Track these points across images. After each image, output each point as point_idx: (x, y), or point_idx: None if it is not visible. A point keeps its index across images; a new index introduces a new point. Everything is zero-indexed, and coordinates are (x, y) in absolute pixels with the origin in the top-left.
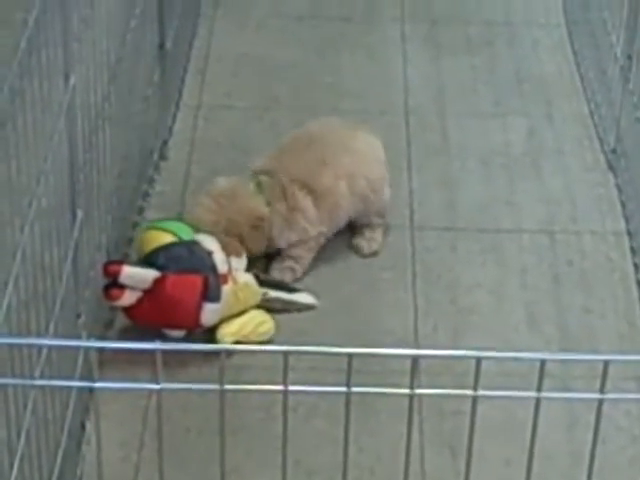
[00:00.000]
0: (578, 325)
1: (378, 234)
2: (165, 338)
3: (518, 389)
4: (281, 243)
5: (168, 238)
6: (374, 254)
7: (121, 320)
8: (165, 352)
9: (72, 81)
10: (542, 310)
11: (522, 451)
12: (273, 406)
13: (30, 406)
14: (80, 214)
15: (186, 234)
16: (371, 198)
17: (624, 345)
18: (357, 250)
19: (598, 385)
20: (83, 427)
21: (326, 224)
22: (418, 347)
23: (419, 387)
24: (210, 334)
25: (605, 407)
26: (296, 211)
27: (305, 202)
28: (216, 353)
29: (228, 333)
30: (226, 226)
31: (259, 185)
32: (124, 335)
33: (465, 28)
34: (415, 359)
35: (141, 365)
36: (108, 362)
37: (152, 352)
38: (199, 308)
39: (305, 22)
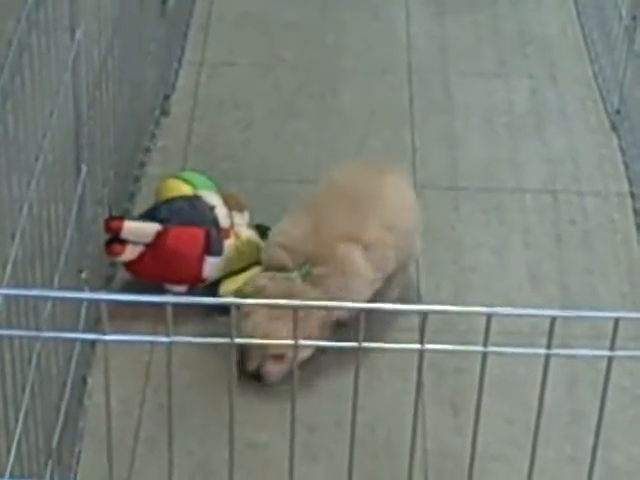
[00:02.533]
0: (580, 285)
1: (405, 279)
2: (165, 293)
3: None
4: (342, 314)
5: (186, 189)
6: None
7: (122, 275)
8: (175, 305)
9: (78, 35)
10: (544, 270)
11: (523, 409)
12: None
13: (35, 360)
14: (84, 169)
15: (207, 189)
16: (405, 250)
17: (626, 305)
18: (383, 299)
19: (599, 345)
20: (85, 382)
21: (379, 280)
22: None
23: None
24: (212, 291)
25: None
26: (351, 276)
27: (358, 261)
28: (216, 310)
29: (231, 289)
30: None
31: (307, 275)
32: (125, 290)
33: None
34: (424, 314)
35: (142, 321)
36: (108, 315)
37: (160, 305)
38: (201, 261)
39: None
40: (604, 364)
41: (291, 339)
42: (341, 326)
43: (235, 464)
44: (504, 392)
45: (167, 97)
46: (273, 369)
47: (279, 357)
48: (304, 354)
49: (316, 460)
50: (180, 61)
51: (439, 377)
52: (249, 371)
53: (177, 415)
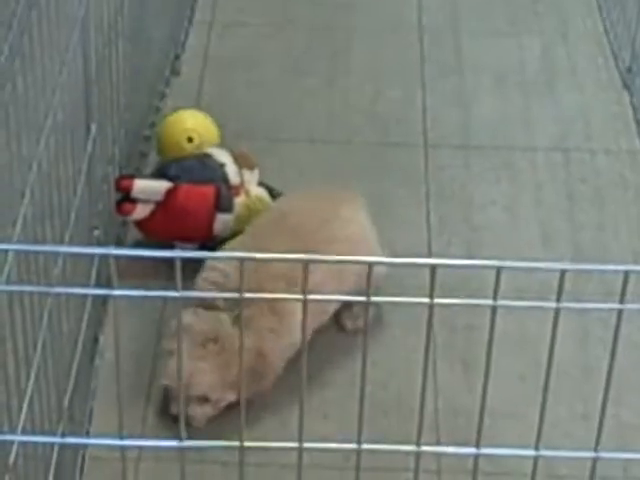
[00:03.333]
0: (591, 242)
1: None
2: None
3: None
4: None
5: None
6: (359, 331)
7: (133, 235)
8: (184, 260)
9: None
10: (556, 227)
11: (535, 366)
12: None
13: (46, 318)
14: (94, 128)
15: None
16: (362, 287)
17: (637, 261)
18: (341, 325)
19: (610, 301)
20: (96, 340)
21: (314, 326)
22: None
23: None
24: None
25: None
26: (285, 316)
27: (294, 306)
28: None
29: None
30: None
31: (238, 318)
32: (137, 249)
33: None
34: (433, 268)
35: (151, 278)
36: (119, 276)
37: (170, 260)
38: (211, 218)
39: None
40: (615, 320)
41: (214, 385)
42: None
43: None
44: (516, 349)
45: (177, 57)
46: (196, 412)
47: (203, 399)
48: (231, 397)
49: (327, 417)
50: (190, 20)
51: (450, 335)
52: (172, 414)
53: None
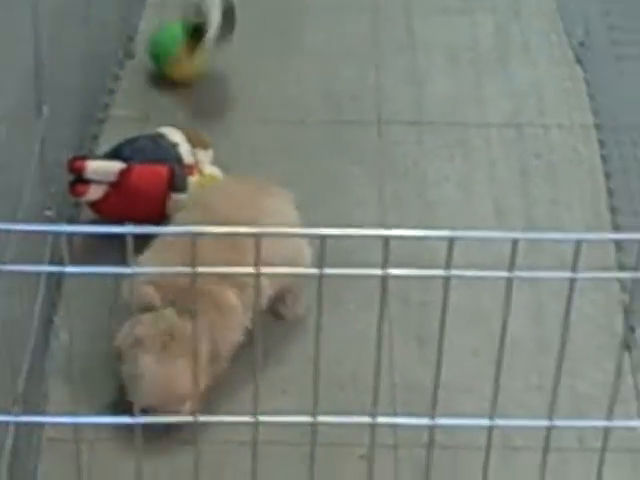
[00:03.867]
0: (545, 217)
1: (301, 296)
2: None
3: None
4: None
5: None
6: (300, 318)
7: (87, 216)
8: (136, 236)
9: None
10: (510, 203)
11: (490, 340)
12: None
13: None
14: (46, 110)
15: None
16: (288, 281)
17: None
18: (280, 317)
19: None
20: (51, 321)
21: (250, 318)
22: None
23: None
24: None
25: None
26: (228, 313)
27: (233, 302)
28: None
29: None
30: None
31: (183, 310)
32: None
33: None
34: (386, 239)
35: (104, 257)
36: (72, 258)
37: (122, 239)
38: (165, 198)
39: None
40: (567, 292)
41: (188, 394)
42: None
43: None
44: (470, 324)
45: (131, 39)
46: (185, 412)
47: (184, 399)
48: (202, 387)
49: (285, 393)
50: (143, 2)
51: (405, 310)
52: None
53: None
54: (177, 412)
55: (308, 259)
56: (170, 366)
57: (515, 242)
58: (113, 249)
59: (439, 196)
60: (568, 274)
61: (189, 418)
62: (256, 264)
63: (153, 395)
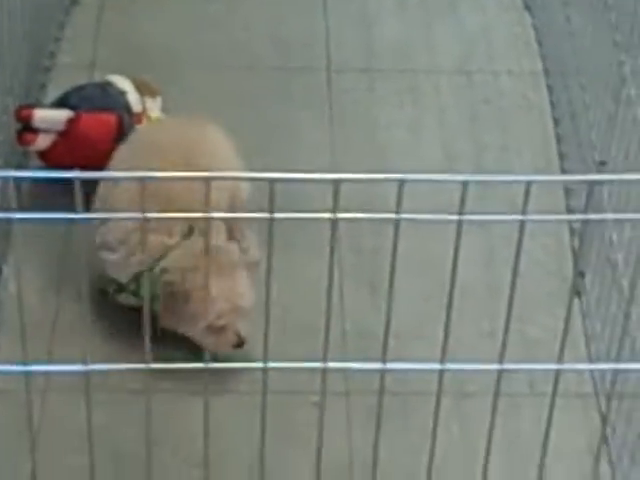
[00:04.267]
0: (495, 163)
1: (252, 239)
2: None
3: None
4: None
5: None
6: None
7: (35, 165)
8: (84, 181)
9: None
10: (460, 148)
11: (441, 287)
12: None
13: None
14: None
15: None
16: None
17: None
18: None
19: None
20: (0, 272)
21: None
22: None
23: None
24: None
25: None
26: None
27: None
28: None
29: None
30: None
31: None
32: (39, 180)
33: None
34: (337, 182)
35: (53, 207)
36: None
37: (70, 182)
38: (114, 146)
39: None
40: (518, 236)
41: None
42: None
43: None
44: (422, 271)
45: None
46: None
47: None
48: None
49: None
50: None
51: (356, 258)
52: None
53: (95, 304)
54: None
55: (245, 192)
56: (235, 281)
57: (465, 184)
58: (62, 198)
59: (389, 142)
60: (517, 217)
61: (141, 365)
62: (206, 207)
63: (225, 312)
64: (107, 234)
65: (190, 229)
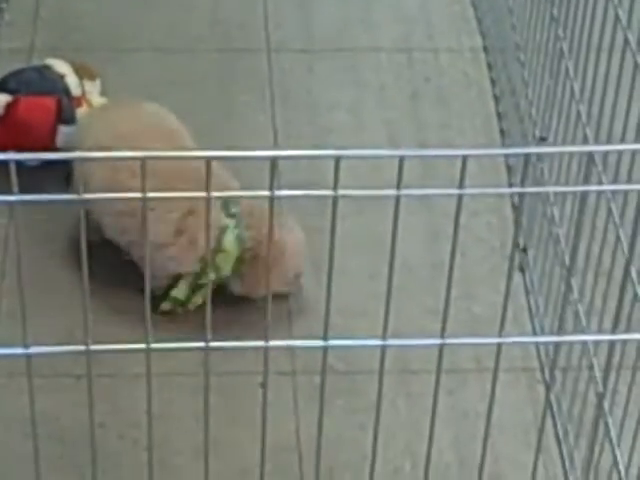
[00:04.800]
0: (437, 141)
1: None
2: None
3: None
4: None
5: None
6: None
7: None
8: (18, 163)
9: None
10: (401, 127)
11: (383, 265)
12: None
13: None
14: None
15: None
16: None
17: (482, 159)
18: None
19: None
20: None
21: None
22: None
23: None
24: (66, 163)
25: (465, 219)
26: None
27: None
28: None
29: None
30: None
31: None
32: None
33: None
34: (274, 159)
35: None
36: None
37: (4, 164)
38: (54, 131)
39: None
40: (463, 217)
41: None
42: None
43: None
44: (366, 249)
45: None
46: None
47: None
48: None
49: (175, 321)
50: None
51: None
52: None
53: (39, 288)
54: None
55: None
56: (294, 233)
57: (401, 159)
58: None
59: (331, 123)
60: (455, 190)
61: (81, 347)
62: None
63: (300, 261)
64: (154, 234)
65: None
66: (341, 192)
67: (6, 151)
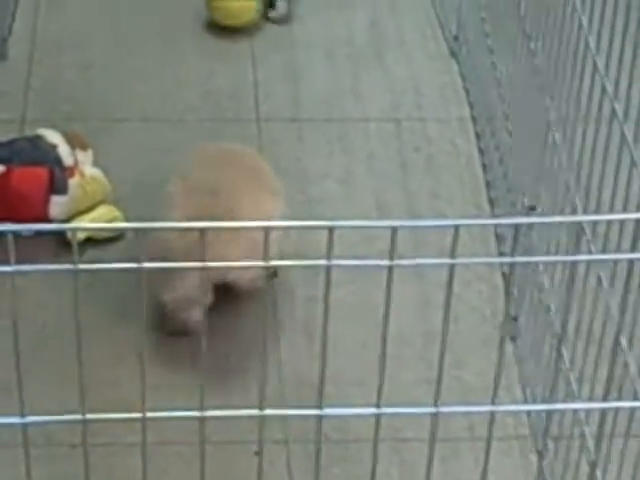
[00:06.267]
0: (427, 210)
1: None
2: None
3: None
4: None
5: None
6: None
7: None
8: (18, 236)
9: None
10: (391, 197)
11: (378, 333)
12: (128, 298)
13: None
14: None
15: None
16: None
17: (472, 227)
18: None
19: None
20: None
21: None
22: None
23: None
24: (60, 233)
25: (456, 287)
26: None
27: None
28: (69, 250)
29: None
30: None
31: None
32: None
33: None
34: (267, 230)
35: None
36: None
37: (1, 235)
38: (47, 201)
39: None
40: (454, 285)
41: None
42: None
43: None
44: (358, 318)
45: (4, 40)
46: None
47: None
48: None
49: (173, 389)
50: (16, 3)
51: (292, 307)
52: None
53: (32, 357)
54: None
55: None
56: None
57: (394, 230)
58: None
59: (320, 192)
60: (447, 260)
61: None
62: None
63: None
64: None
65: None
66: (335, 262)
67: None
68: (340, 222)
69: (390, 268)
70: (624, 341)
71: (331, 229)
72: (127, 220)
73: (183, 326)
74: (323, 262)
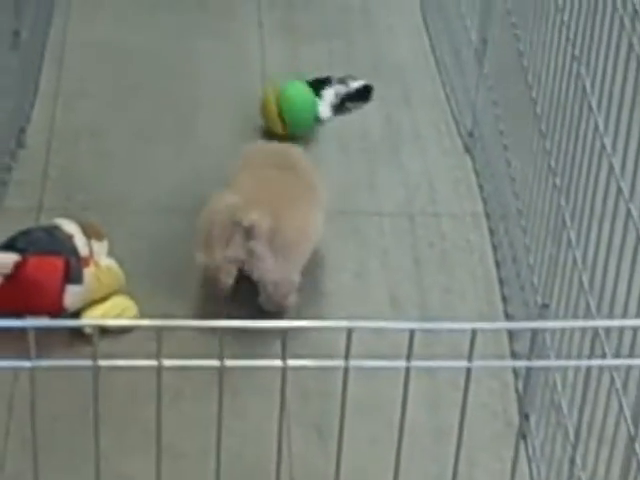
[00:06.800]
0: (440, 305)
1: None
2: None
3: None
4: None
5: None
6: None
7: None
8: (37, 330)
9: None
10: (404, 292)
11: (388, 429)
12: (141, 389)
13: None
14: None
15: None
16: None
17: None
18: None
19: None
20: None
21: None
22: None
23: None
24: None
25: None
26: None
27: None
28: (82, 340)
29: (93, 318)
30: None
31: None
32: None
33: (321, 14)
34: (284, 331)
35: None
36: None
37: (23, 330)
38: (62, 291)
39: (161, 10)
40: (464, 382)
41: None
42: None
43: None
44: (369, 413)
45: (23, 129)
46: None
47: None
48: None
49: None
50: (35, 93)
51: (304, 402)
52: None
53: (43, 449)
54: None
55: (320, 228)
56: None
57: (412, 332)
58: (10, 343)
59: (334, 286)
60: (464, 363)
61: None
62: (158, 358)
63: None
64: None
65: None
66: (352, 363)
67: (14, 310)
68: (359, 323)
69: (407, 369)
70: (638, 448)
71: (350, 330)
72: (140, 311)
73: (219, 289)
74: (341, 363)
